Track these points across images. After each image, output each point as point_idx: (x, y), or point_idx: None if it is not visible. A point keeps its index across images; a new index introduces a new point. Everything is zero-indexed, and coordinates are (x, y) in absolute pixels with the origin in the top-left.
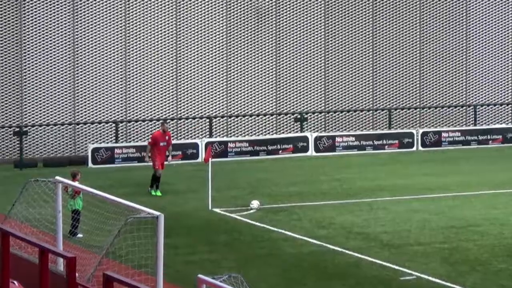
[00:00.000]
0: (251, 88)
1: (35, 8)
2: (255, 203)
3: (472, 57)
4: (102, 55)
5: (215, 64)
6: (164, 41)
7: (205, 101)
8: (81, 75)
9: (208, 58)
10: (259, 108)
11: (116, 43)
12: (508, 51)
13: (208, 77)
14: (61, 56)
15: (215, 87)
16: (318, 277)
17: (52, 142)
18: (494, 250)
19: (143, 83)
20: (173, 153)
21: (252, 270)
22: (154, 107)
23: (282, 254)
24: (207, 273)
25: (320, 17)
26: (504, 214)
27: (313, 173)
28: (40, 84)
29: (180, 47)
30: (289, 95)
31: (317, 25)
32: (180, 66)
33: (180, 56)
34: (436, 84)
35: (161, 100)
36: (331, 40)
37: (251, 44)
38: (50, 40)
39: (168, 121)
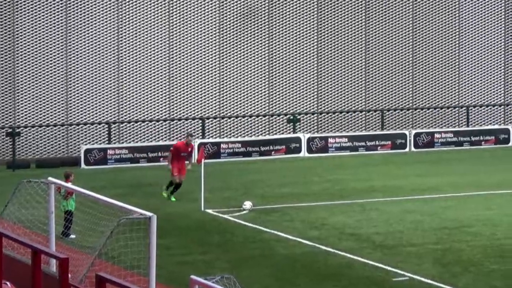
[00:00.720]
0: (243, 89)
1: (28, 9)
2: (247, 204)
3: (465, 58)
4: (95, 56)
5: (208, 65)
6: (157, 42)
7: (197, 102)
8: (73, 76)
9: (201, 59)
10: (252, 109)
11: (109, 44)
12: (500, 52)
13: (201, 78)
14: (53, 57)
15: (208, 88)
16: (310, 278)
17: (45, 143)
18: (487, 251)
19: (136, 84)
20: (166, 154)
21: (245, 271)
22: (147, 108)
23: (274, 255)
24: (199, 274)
25: (313, 18)
26: (497, 215)
27: (305, 174)
28: (33, 85)
29: (173, 48)
30: (282, 96)
31: (310, 26)
32: (173, 67)
33: (173, 57)
34: (428, 85)
35: (154, 101)
36: (324, 41)
37: (244, 45)
38: (43, 41)
39: (161, 122)
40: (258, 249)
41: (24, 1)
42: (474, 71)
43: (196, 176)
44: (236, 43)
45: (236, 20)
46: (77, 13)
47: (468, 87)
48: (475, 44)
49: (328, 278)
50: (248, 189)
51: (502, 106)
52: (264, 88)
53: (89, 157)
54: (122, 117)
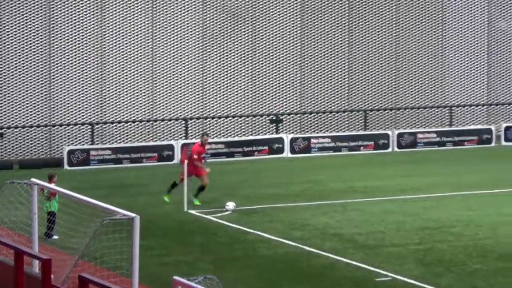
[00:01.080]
0: (226, 90)
1: (12, 11)
2: (230, 205)
3: (448, 58)
4: (78, 56)
5: (191, 66)
6: (140, 43)
7: (180, 103)
8: (56, 76)
9: (183, 60)
10: (235, 109)
11: (91, 45)
12: (483, 52)
13: (184, 79)
14: (36, 57)
15: (191, 88)
16: (293, 279)
17: (27, 144)
18: (469, 251)
19: (119, 85)
20: (149, 155)
21: (228, 271)
22: (130, 108)
23: (257, 255)
24: (182, 274)
25: (296, 18)
26: (479, 215)
27: (288, 174)
28: (15, 86)
29: (156, 48)
30: (265, 96)
31: (292, 27)
32: (155, 67)
33: (155, 58)
34: (411, 85)
35: (137, 102)
36: (306, 41)
37: (226, 46)
38: (26, 42)
39: (144, 122)
40: (241, 250)
41: (7, 2)
42: (457, 71)
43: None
44: (219, 43)
45: (219, 21)
46: (60, 14)
47: (451, 87)
48: (458, 44)
49: (311, 278)
50: (231, 190)
51: (485, 106)
52: (247, 89)
53: (72, 158)
54: (105, 118)
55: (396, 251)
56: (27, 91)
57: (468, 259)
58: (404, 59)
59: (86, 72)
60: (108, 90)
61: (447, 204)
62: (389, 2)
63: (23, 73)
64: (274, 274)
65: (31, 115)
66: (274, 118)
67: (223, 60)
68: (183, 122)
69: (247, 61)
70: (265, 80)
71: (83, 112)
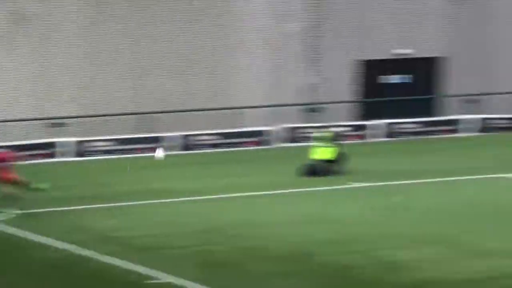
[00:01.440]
0: (10, 93)
1: None
2: (159, 152)
3: (233, 59)
4: None
5: None
6: None
7: None
8: None
9: None
10: (18, 113)
11: None
12: (268, 53)
13: None
14: None
15: None
16: (69, 284)
17: None
18: (249, 252)
19: None
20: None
21: (2, 278)
22: None
23: (35, 261)
24: None
25: (83, 19)
26: (259, 216)
27: (73, 178)
28: None
29: None
30: (46, 99)
31: (75, 26)
32: None
33: None
34: (198, 87)
35: None
36: (91, 43)
37: (14, 48)
38: None
39: None
40: (18, 255)
41: None
42: (241, 72)
43: None
44: (6, 45)
45: (5, 21)
46: None
47: (237, 88)
48: (245, 46)
49: (85, 283)
50: (12, 193)
51: (268, 107)
52: (29, 92)
53: None
54: None
55: (176, 253)
56: None
57: (247, 260)
58: (192, 60)
59: None
60: None
61: (229, 206)
62: (183, 8)
63: None
64: (51, 280)
65: None
66: (57, 121)
67: (10, 63)
68: None
69: (33, 63)
70: (46, 82)
71: None
